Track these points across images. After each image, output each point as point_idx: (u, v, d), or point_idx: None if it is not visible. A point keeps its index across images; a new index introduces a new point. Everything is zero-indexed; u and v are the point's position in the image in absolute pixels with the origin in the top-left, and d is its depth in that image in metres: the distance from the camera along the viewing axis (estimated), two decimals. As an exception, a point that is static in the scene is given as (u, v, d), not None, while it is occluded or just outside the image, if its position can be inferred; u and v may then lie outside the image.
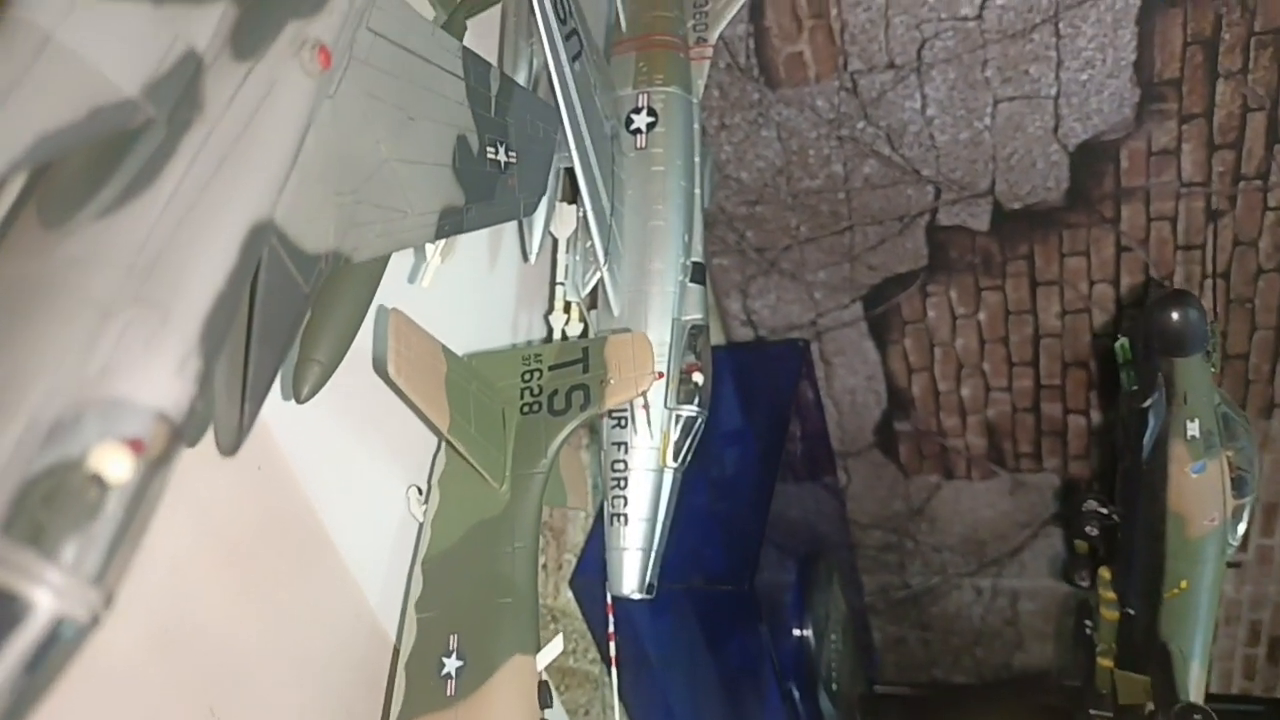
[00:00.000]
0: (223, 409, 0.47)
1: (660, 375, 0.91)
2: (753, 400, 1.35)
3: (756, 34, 1.36)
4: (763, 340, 1.68)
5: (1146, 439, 1.17)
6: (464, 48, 0.68)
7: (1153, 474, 1.19)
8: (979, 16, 1.28)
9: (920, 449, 1.79)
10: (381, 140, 0.58)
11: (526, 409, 0.81)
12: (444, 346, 0.76)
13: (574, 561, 1.10)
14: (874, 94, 1.38)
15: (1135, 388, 1.18)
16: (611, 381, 0.80)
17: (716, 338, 1.65)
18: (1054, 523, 1.83)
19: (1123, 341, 1.26)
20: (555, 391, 0.81)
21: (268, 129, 0.44)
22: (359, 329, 0.65)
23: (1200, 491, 1.14)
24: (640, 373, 0.80)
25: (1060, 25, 1.26)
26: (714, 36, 1.12)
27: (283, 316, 0.49)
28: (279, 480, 0.70)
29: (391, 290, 0.74)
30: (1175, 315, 1.10)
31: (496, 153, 0.73)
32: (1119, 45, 1.27)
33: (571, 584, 1.10)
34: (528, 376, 0.83)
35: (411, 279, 0.75)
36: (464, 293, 0.92)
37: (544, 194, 0.85)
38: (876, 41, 1.33)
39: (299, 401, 0.63)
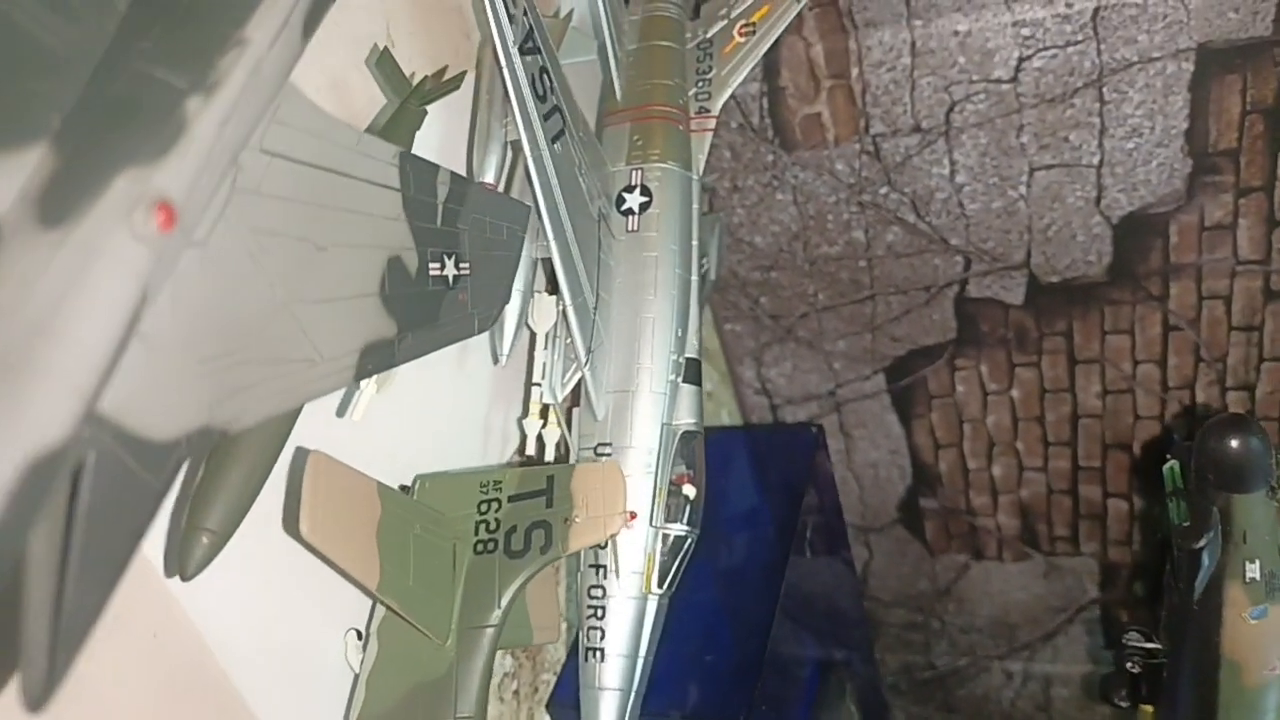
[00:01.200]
0: (31, 650, 0.37)
1: (633, 516, 0.81)
2: (760, 490, 1.24)
3: (770, 93, 1.26)
4: (774, 424, 1.58)
5: (1199, 579, 1.04)
6: (402, 153, 0.59)
7: (1205, 616, 1.05)
8: (1014, 79, 1.17)
9: (948, 527, 1.67)
10: (277, 283, 0.49)
11: (481, 547, 0.71)
12: (380, 487, 0.66)
13: (553, 682, 1.00)
14: (898, 158, 1.27)
15: (1187, 523, 1.04)
16: (577, 520, 0.70)
17: (729, 405, 1.54)
18: (1091, 609, 1.70)
19: (1172, 465, 1.12)
20: (514, 528, 0.71)
21: (76, 316, 0.35)
22: (261, 487, 0.56)
23: (1260, 638, 1.01)
24: (610, 512, 0.70)
25: (1104, 90, 1.15)
26: (718, 106, 1.02)
27: (119, 527, 0.40)
28: (180, 645, 0.60)
29: (318, 423, 0.65)
30: (1235, 444, 0.97)
31: (443, 268, 0.63)
32: (1169, 112, 1.15)
33: (549, 708, 0.99)
34: (485, 507, 0.73)
35: (341, 411, 0.66)
36: (424, 398, 0.82)
37: (504, 304, 0.75)
38: (901, 104, 1.22)
39: (184, 579, 0.53)
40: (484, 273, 0.69)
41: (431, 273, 0.62)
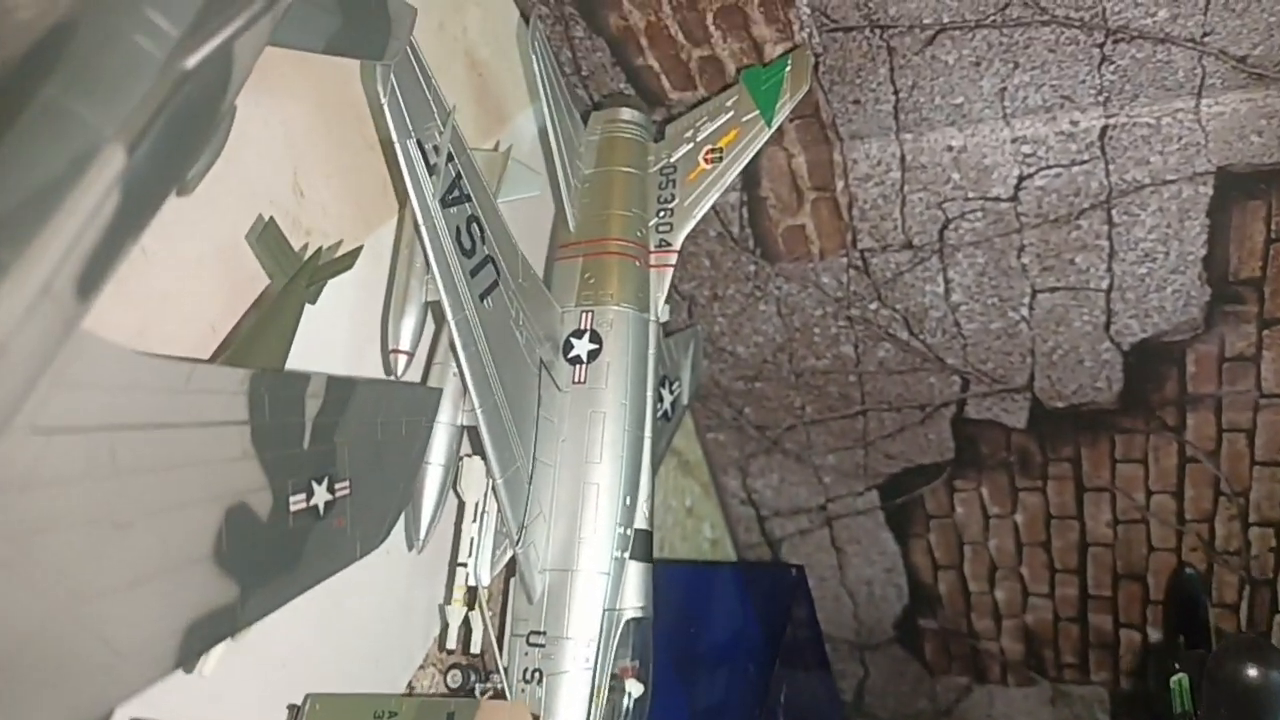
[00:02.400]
0: None
1: None
2: (736, 634, 1.13)
3: (750, 203, 1.16)
4: (754, 563, 1.47)
5: None
6: (254, 376, 0.50)
7: None
8: (1014, 198, 1.07)
9: (948, 648, 1.56)
10: (51, 584, 0.39)
11: (367, 794, 0.61)
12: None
13: None
14: (888, 274, 1.17)
15: None
16: (477, 772, 0.60)
17: (713, 517, 1.44)
18: (1103, 737, 1.57)
19: (1180, 679, 0.99)
20: (405, 773, 0.61)
21: None
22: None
23: None
24: (515, 762, 0.60)
25: (1114, 212, 1.05)
26: (679, 239, 0.92)
27: None
28: None
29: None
30: (1253, 674, 0.86)
31: (309, 497, 0.54)
32: (1186, 238, 1.05)
33: None
34: (376, 746, 0.63)
35: (189, 668, 0.56)
36: (327, 586, 0.72)
37: (400, 512, 0.66)
38: (891, 219, 1.12)
39: None
40: (371, 484, 0.59)
41: (293, 508, 0.53)
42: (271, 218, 0.62)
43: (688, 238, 0.96)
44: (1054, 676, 1.52)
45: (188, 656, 0.46)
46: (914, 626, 1.55)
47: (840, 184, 1.11)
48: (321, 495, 0.55)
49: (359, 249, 0.66)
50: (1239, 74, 0.92)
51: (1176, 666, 0.99)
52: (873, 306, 1.21)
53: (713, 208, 1.14)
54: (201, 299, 0.62)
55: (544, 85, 0.89)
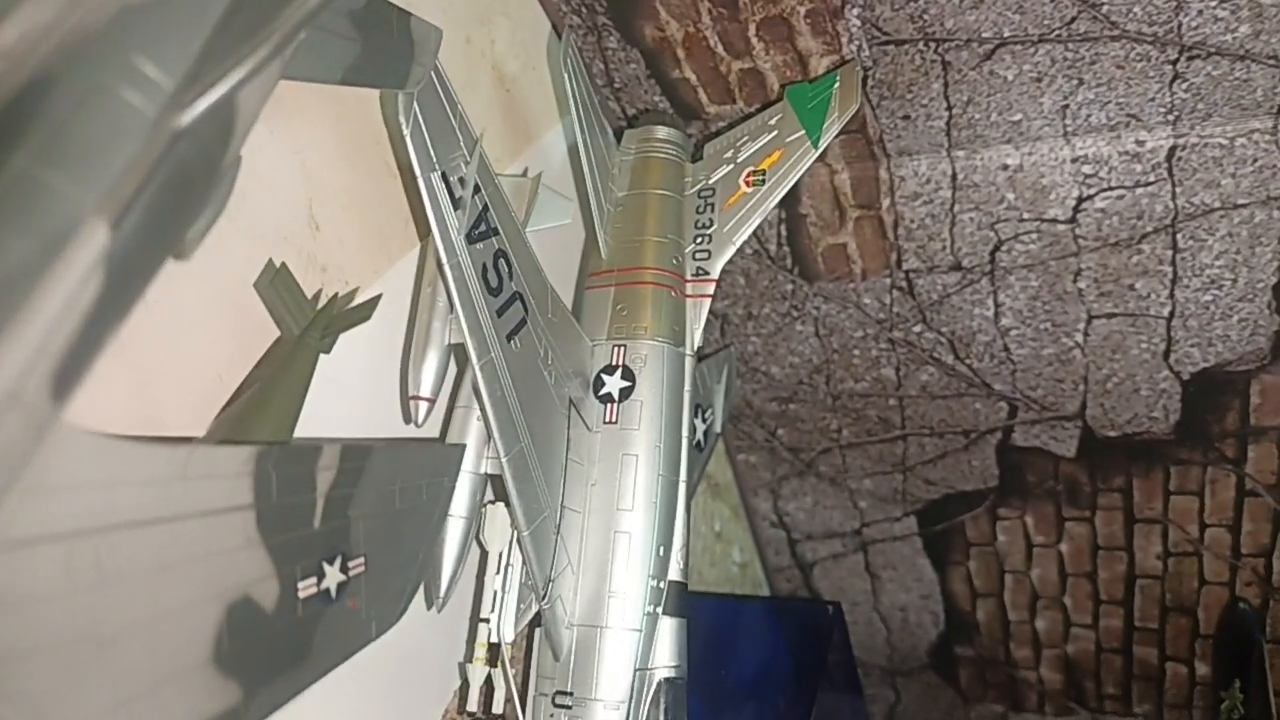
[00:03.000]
0: None
1: None
2: (771, 673, 1.08)
3: (789, 220, 1.11)
4: (789, 599, 1.42)
5: None
6: (260, 454, 0.45)
7: None
8: (1072, 220, 1.01)
9: (984, 676, 1.50)
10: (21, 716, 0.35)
11: None
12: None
13: None
14: (934, 296, 1.11)
15: None
16: None
17: (742, 540, 1.39)
18: (1145, 769, 1.52)
19: (1232, 700, 0.92)
20: None
21: None
22: None
23: None
24: None
25: (1178, 237, 0.99)
26: (718, 268, 0.87)
27: None
28: None
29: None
30: None
31: (320, 580, 0.49)
32: (1256, 264, 0.98)
33: None
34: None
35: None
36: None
37: (419, 582, 0.61)
38: (939, 239, 1.06)
39: None
40: (388, 558, 0.55)
41: (303, 594, 0.48)
42: (283, 264, 0.57)
43: (724, 259, 0.90)
44: (1094, 707, 1.46)
45: (183, 774, 0.41)
46: (949, 653, 1.49)
47: (886, 202, 1.05)
48: (334, 577, 0.50)
49: (377, 298, 0.61)
50: (1323, 94, 0.86)
51: (1223, 696, 0.93)
52: (917, 329, 1.15)
53: (749, 224, 1.08)
54: (207, 349, 0.57)
55: (576, 103, 0.84)
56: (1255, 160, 0.92)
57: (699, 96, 1.00)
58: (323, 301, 0.59)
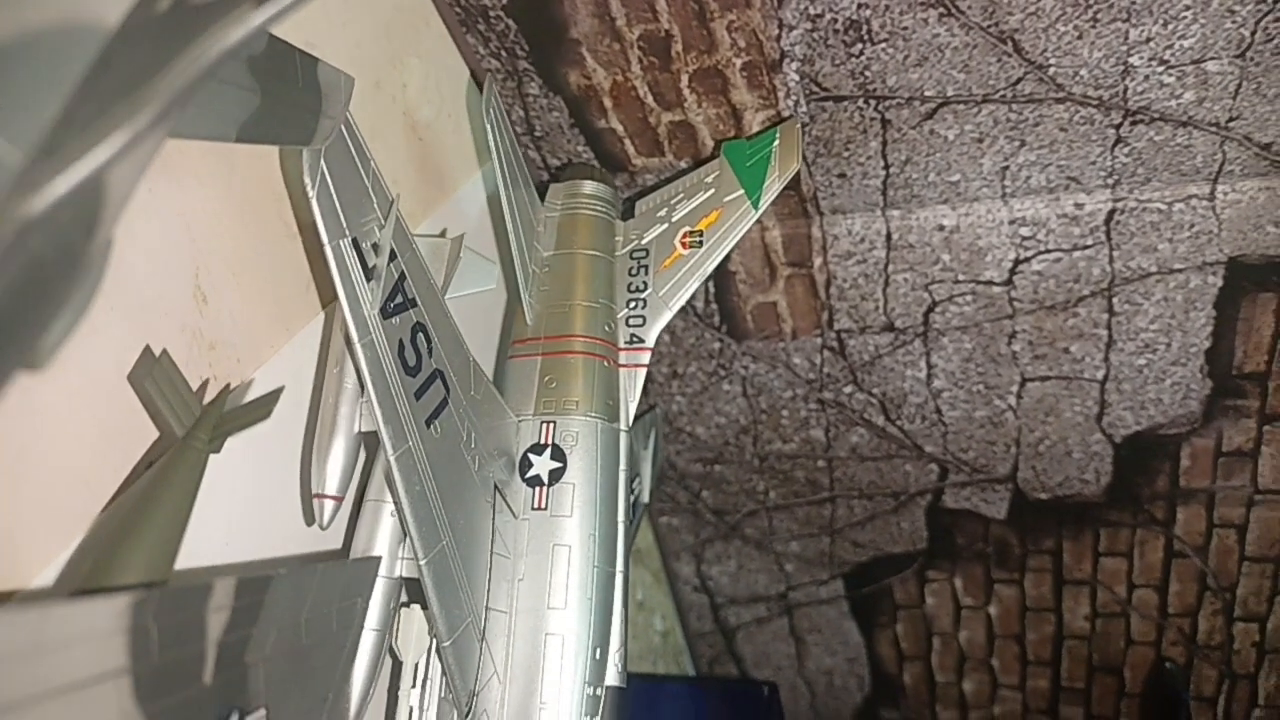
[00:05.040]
0: None
1: None
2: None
3: (718, 277, 1.05)
4: (723, 679, 1.36)
5: None
6: (137, 602, 0.36)
7: None
8: (1008, 282, 0.98)
9: (909, 739, 1.46)
10: None
11: None
12: None
13: None
14: (866, 357, 1.07)
15: None
16: None
17: (664, 607, 1.32)
18: (1068, 828, 1.49)
19: None
20: None
21: None
22: None
23: None
24: None
25: (1114, 300, 0.97)
26: (653, 335, 0.80)
27: None
28: None
29: None
30: None
31: (210, 750, 0.40)
32: (1190, 329, 0.97)
33: None
34: None
35: None
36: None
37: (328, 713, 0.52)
38: (872, 299, 1.02)
39: None
40: (293, 702, 0.46)
41: (187, 771, 0.39)
42: (164, 352, 0.48)
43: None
44: (1020, 769, 1.44)
45: None
46: (875, 717, 1.45)
47: (818, 260, 1.01)
48: (226, 741, 0.41)
49: (278, 392, 0.52)
50: (1261, 161, 0.85)
51: None
52: (847, 390, 1.10)
53: (675, 281, 1.03)
54: (72, 454, 0.48)
55: (499, 156, 0.77)
56: (1192, 226, 0.91)
57: (626, 148, 0.94)
58: (211, 393, 0.50)
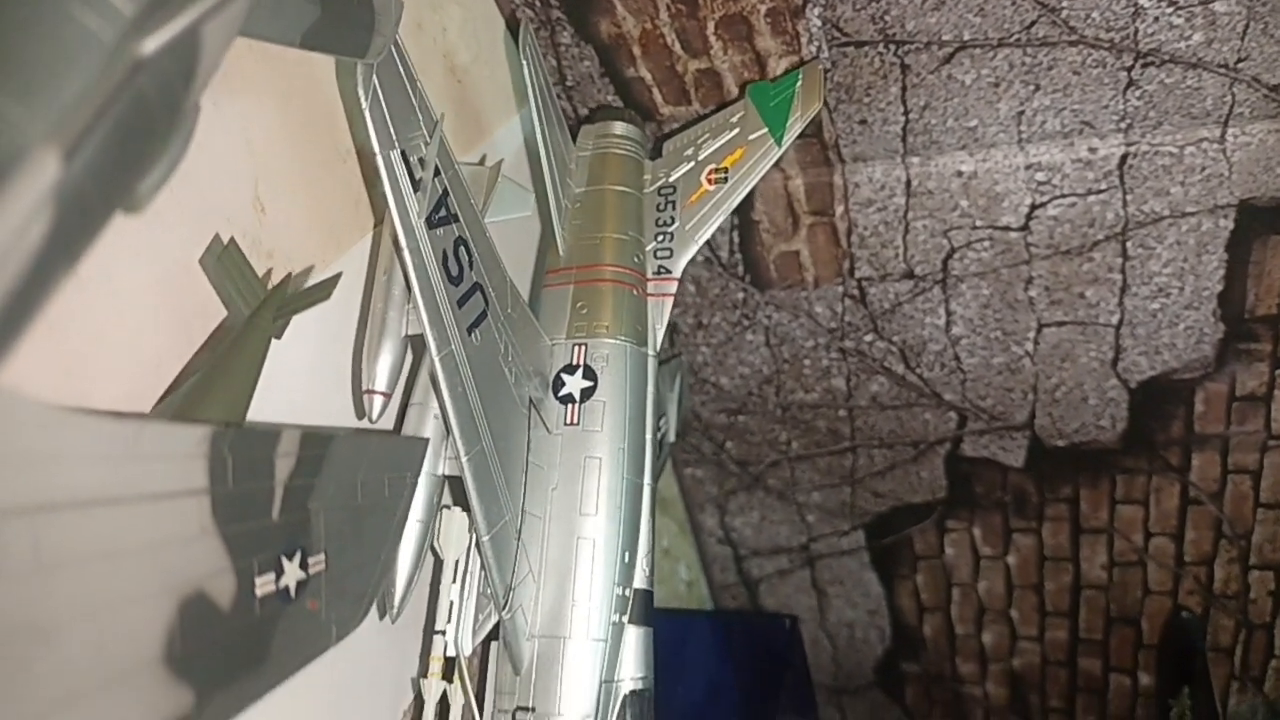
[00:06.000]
0: None
1: None
2: (726, 689, 1.05)
3: (742, 227, 1.09)
4: (744, 613, 1.40)
5: None
6: (215, 434, 0.40)
7: None
8: (1024, 227, 1.01)
9: (930, 693, 1.49)
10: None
11: None
12: None
13: None
14: (886, 305, 1.10)
15: None
16: None
17: (688, 557, 1.36)
18: (1086, 783, 1.52)
19: (1181, 706, 0.90)
20: None
21: None
22: None
23: None
24: None
25: (1128, 244, 1.00)
26: (680, 266, 0.84)
27: None
28: None
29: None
30: None
31: (279, 577, 0.45)
32: (1203, 273, 0.99)
33: None
34: None
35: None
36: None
37: (377, 592, 0.56)
38: (892, 247, 1.06)
39: None
40: (350, 557, 0.50)
41: (260, 591, 0.43)
42: (232, 239, 0.53)
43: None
44: (1039, 722, 1.46)
45: (127, 790, 0.37)
46: (896, 670, 1.48)
47: (840, 209, 1.04)
48: (293, 574, 0.45)
49: (337, 277, 0.57)
50: (1270, 103, 0.87)
51: (1171, 703, 0.92)
52: (868, 338, 1.14)
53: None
54: (145, 333, 0.52)
55: (535, 93, 0.81)
56: (1203, 169, 0.93)
57: (654, 97, 0.98)
58: (274, 282, 0.55)
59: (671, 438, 1.06)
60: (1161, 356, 1.06)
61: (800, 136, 0.99)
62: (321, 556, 0.48)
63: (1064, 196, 0.98)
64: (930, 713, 1.51)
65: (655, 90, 0.98)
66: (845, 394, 1.20)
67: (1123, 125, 0.92)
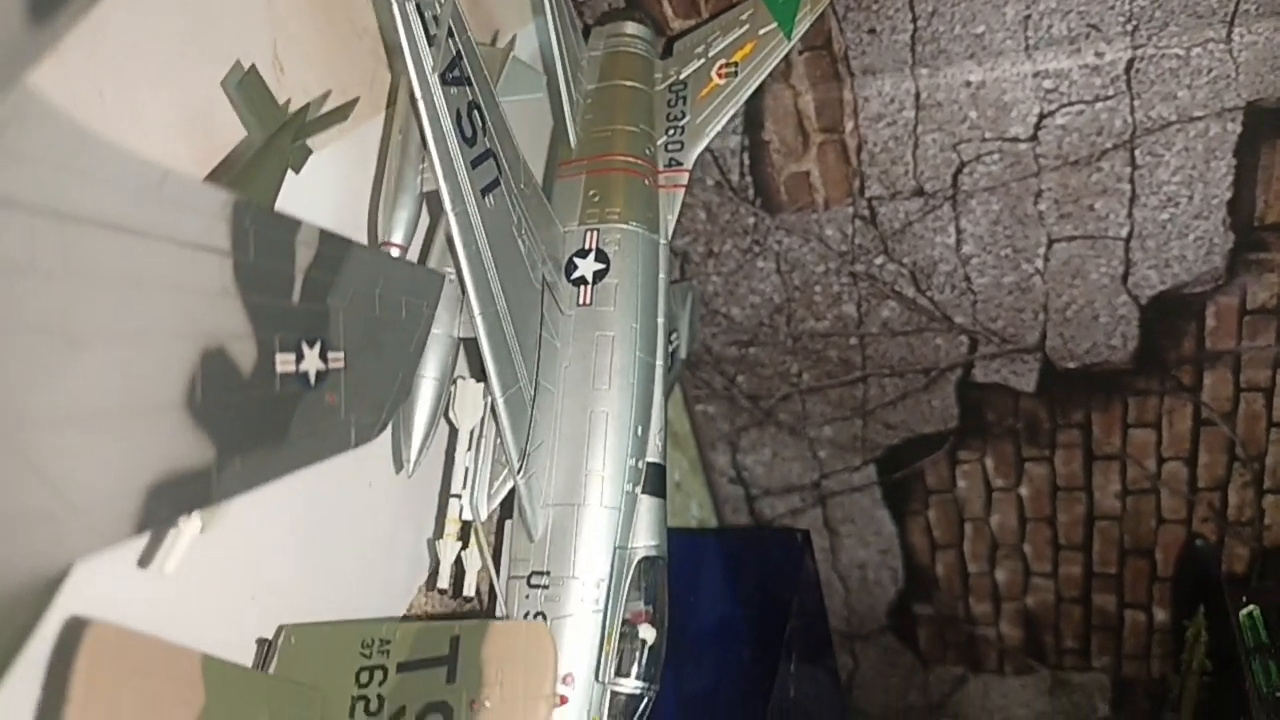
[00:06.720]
0: None
1: (564, 700, 0.62)
2: (739, 605, 1.06)
3: (752, 148, 1.10)
4: (756, 528, 1.40)
5: None
6: (238, 203, 0.41)
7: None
8: (1033, 138, 1.02)
9: (943, 635, 1.49)
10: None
11: (356, 737, 0.53)
12: (206, 663, 0.47)
13: None
14: (897, 225, 1.11)
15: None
16: (488, 704, 0.51)
17: (700, 495, 1.36)
18: (1102, 729, 1.51)
19: (1251, 611, 0.90)
20: (402, 710, 0.53)
21: None
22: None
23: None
24: (533, 694, 0.51)
25: (1137, 152, 1.00)
26: (691, 158, 0.85)
27: None
28: None
29: (117, 580, 0.46)
30: None
31: (298, 361, 0.45)
32: (1211, 180, 1.00)
33: None
34: (365, 678, 0.54)
35: (145, 560, 0.48)
36: (303, 513, 0.63)
37: (398, 405, 0.57)
38: (902, 163, 1.06)
39: None
40: (367, 365, 0.51)
41: (280, 369, 0.44)
42: (253, 65, 0.54)
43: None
44: (1054, 663, 1.46)
45: (150, 522, 0.37)
46: (908, 613, 1.48)
47: (850, 124, 1.05)
48: (313, 361, 0.46)
49: (354, 101, 0.58)
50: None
51: (1244, 600, 0.92)
52: (878, 261, 1.14)
53: (712, 154, 1.08)
54: (166, 159, 0.54)
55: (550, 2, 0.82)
56: (1210, 70, 0.94)
57: (664, 10, 0.99)
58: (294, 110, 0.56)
59: (683, 354, 1.06)
60: (1172, 270, 1.06)
61: (810, 48, 1.01)
62: (340, 355, 0.49)
63: (1072, 104, 0.99)
64: (944, 657, 1.51)
65: (666, 3, 0.99)
66: (856, 320, 1.20)
67: (1129, 28, 0.93)
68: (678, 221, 1.17)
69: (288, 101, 0.57)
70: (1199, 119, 0.97)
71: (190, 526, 0.45)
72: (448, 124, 0.64)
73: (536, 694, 0.51)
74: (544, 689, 0.51)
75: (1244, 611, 0.90)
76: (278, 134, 0.53)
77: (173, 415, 0.38)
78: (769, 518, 1.44)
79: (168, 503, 0.38)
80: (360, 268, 0.50)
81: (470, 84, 0.68)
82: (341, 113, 0.56)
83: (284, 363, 0.44)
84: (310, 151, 0.56)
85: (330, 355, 0.48)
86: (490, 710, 0.51)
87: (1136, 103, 0.97)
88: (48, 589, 0.38)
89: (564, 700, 0.62)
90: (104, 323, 0.35)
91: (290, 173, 0.56)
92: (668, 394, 1.03)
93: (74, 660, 0.41)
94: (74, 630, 0.42)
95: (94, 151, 0.35)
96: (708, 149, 1.10)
